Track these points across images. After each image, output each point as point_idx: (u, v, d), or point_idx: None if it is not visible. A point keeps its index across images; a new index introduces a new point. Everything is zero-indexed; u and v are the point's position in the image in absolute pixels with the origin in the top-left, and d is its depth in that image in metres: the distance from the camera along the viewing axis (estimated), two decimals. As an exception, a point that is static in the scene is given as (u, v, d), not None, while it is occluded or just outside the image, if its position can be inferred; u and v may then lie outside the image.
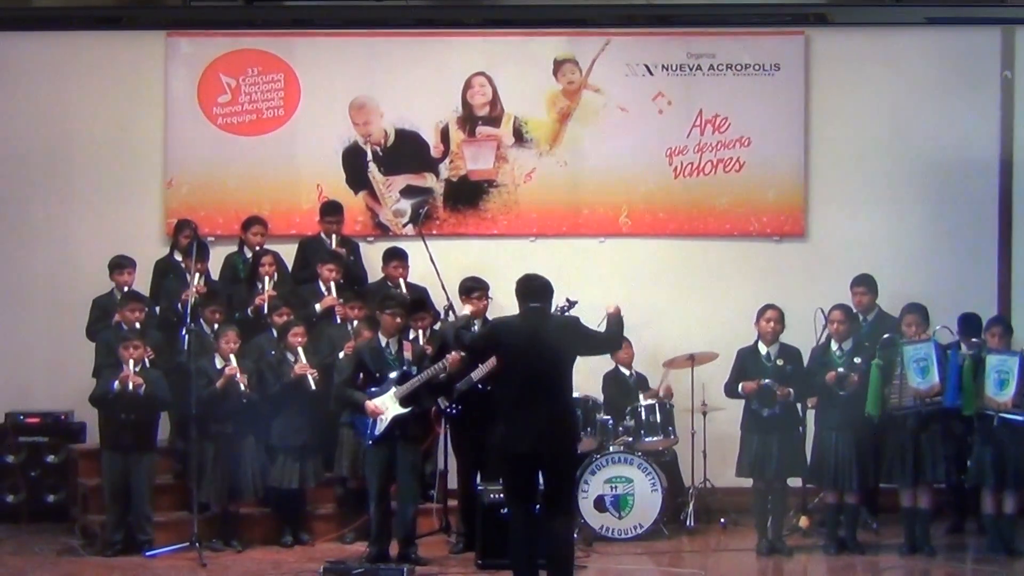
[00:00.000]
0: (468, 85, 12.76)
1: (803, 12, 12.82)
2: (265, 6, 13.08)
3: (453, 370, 10.61)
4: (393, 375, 10.55)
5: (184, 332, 11.09)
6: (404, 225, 12.71)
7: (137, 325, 11.02)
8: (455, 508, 11.19)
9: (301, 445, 11.07)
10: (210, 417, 10.83)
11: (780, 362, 10.77)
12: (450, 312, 11.33)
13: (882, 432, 10.74)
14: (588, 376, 10.94)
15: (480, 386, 10.68)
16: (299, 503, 11.28)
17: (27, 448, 12.08)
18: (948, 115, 12.64)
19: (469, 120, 12.76)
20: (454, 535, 11.10)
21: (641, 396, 11.56)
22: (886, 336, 10.83)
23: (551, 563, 8.99)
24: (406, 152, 12.75)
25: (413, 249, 12.00)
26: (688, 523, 11.56)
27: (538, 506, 9.09)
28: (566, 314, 9.46)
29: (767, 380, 10.64)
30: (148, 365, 10.82)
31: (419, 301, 11.42)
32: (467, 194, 12.76)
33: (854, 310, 11.21)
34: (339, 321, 11.60)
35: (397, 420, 10.46)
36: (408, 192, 12.77)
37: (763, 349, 10.84)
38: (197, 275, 11.44)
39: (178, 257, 11.87)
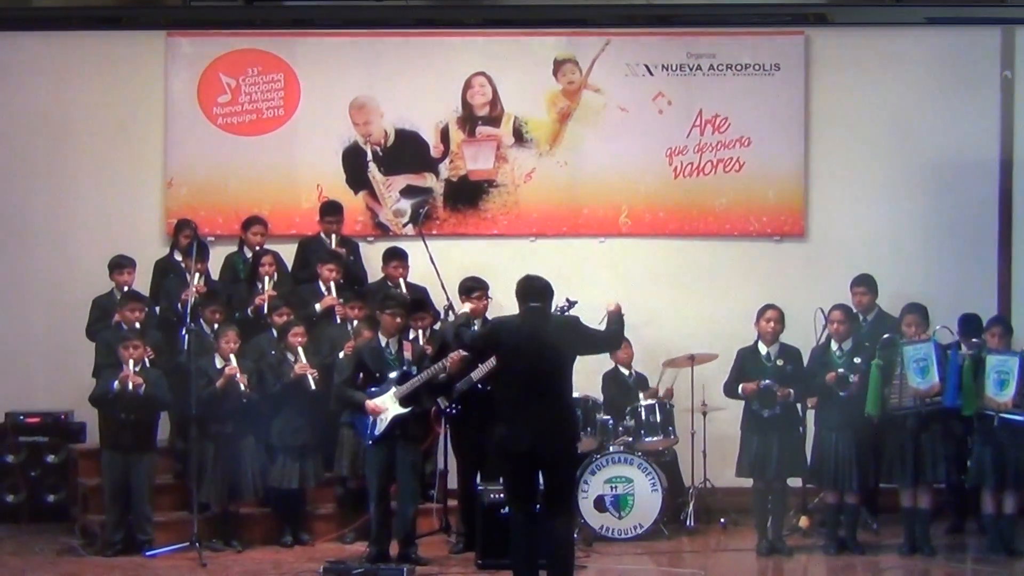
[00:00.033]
0: (468, 85, 12.76)
1: (803, 12, 12.81)
2: (265, 6, 13.07)
3: (453, 370, 10.61)
4: (393, 375, 10.55)
5: (184, 332, 11.08)
6: (404, 225, 12.71)
7: (137, 325, 11.01)
8: (455, 508, 11.18)
9: (301, 445, 11.08)
10: (210, 417, 10.83)
11: (780, 362, 10.77)
12: (450, 312, 11.32)
13: (882, 432, 10.75)
14: (588, 376, 10.92)
15: (480, 386, 10.67)
16: (299, 503, 11.28)
17: (27, 448, 12.08)
18: (948, 115, 12.63)
19: (469, 120, 12.76)
20: (454, 535, 11.10)
21: (641, 396, 11.55)
22: (886, 336, 10.83)
23: (551, 563, 8.98)
24: (406, 152, 12.75)
25: (413, 249, 12.00)
26: (688, 523, 11.55)
27: (538, 506, 9.08)
28: (566, 314, 9.46)
29: (767, 381, 10.63)
30: (148, 365, 10.82)
31: (419, 301, 11.43)
32: (467, 194, 12.75)
33: (854, 310, 11.21)
34: (339, 321, 11.59)
35: (397, 420, 10.46)
36: (408, 192, 12.76)
37: (763, 349, 10.84)
38: (197, 275, 11.43)
39: (178, 257, 11.87)
